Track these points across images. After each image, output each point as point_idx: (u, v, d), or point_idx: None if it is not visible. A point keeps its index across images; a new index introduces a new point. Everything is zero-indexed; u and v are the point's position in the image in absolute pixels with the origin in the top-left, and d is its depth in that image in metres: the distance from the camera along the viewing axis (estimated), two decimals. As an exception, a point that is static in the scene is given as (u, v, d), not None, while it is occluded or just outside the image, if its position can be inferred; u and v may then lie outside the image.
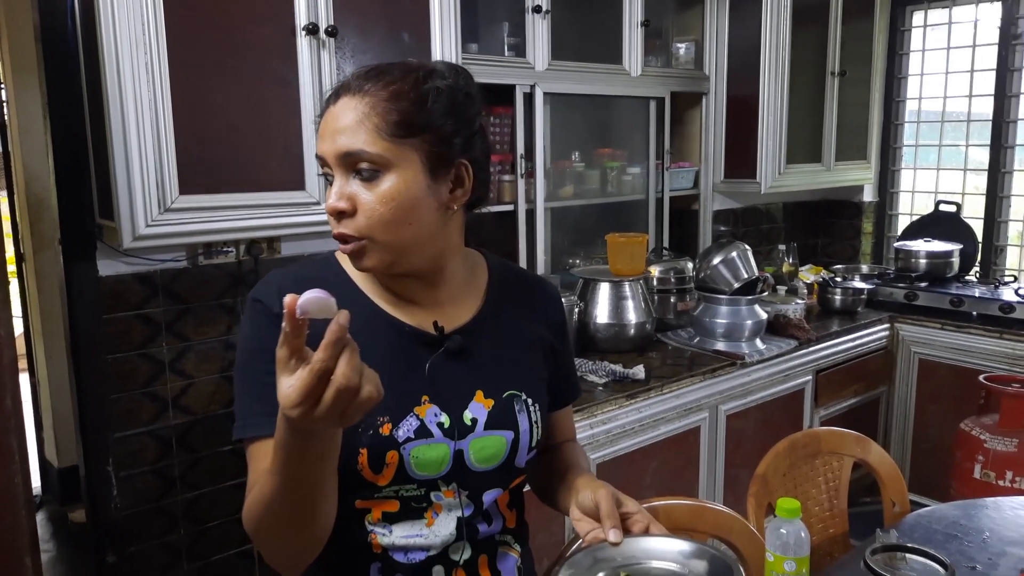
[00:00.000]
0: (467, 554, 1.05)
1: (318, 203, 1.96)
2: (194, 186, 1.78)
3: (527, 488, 1.19)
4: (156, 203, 1.74)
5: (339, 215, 0.96)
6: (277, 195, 1.91)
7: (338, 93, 0.97)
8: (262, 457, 0.93)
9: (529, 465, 1.12)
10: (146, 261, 1.97)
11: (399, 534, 1.02)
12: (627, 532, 1.01)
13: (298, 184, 1.93)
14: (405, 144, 0.95)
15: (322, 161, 0.98)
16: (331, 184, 0.98)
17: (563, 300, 2.43)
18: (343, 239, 0.97)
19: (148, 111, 1.70)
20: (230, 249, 2.08)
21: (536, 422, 1.09)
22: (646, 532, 1.02)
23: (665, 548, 1.00)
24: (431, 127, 0.96)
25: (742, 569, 0.95)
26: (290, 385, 0.74)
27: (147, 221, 1.73)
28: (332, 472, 0.88)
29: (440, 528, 1.03)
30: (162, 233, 1.76)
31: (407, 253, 0.99)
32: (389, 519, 1.02)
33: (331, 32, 1.92)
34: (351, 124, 0.94)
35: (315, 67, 1.92)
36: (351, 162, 0.95)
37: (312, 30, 1.89)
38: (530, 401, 1.09)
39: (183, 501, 2.10)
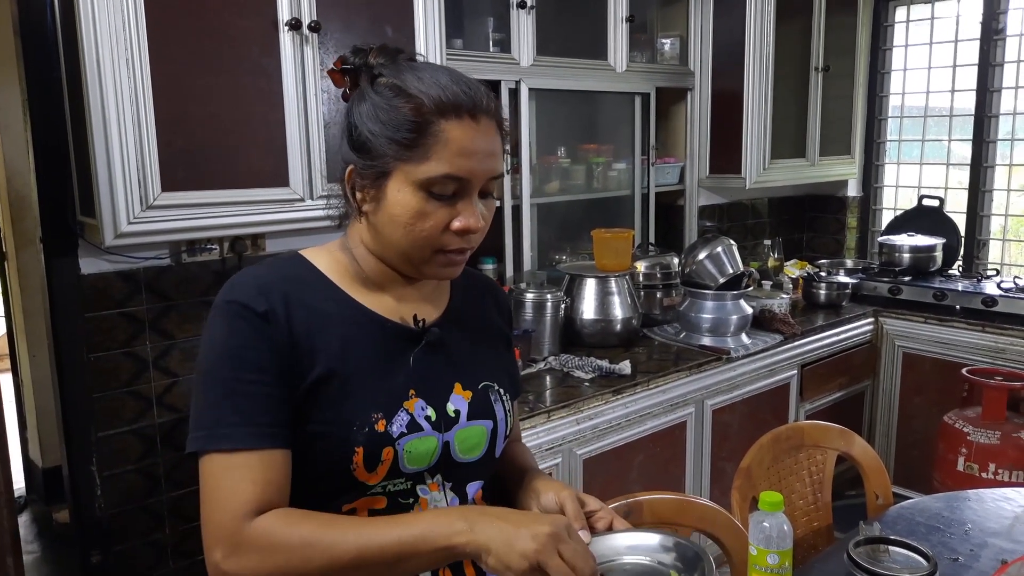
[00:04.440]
0: None
1: (302, 199, 1.95)
2: (176, 183, 1.77)
3: None
4: (138, 200, 1.72)
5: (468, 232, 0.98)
6: (261, 192, 1.90)
7: (474, 112, 0.94)
8: (253, 470, 0.90)
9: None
10: (129, 259, 1.96)
11: None
12: (592, 531, 1.01)
13: (282, 181, 1.92)
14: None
15: (459, 182, 0.95)
16: (444, 200, 0.95)
17: (549, 296, 2.47)
18: (462, 252, 1.00)
19: (129, 107, 1.68)
20: (214, 246, 2.07)
21: (509, 411, 1.12)
22: (610, 528, 1.03)
23: (634, 543, 1.01)
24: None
25: (710, 557, 0.96)
26: (551, 551, 0.84)
27: (129, 218, 1.72)
28: None
29: None
30: (144, 230, 1.74)
31: None
32: (375, 515, 1.01)
33: (314, 27, 1.91)
34: (497, 149, 0.98)
35: (298, 62, 1.91)
36: (491, 183, 0.99)
37: (295, 25, 1.88)
38: (502, 391, 1.11)
39: (168, 500, 2.09)
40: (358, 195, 1.00)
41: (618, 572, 0.98)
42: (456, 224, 0.96)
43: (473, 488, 1.08)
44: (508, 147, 1.03)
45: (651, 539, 1.01)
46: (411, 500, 1.02)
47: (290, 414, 0.94)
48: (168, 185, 1.76)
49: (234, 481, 0.90)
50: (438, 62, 2.07)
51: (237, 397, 0.92)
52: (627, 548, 1.00)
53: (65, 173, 1.86)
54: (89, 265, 1.92)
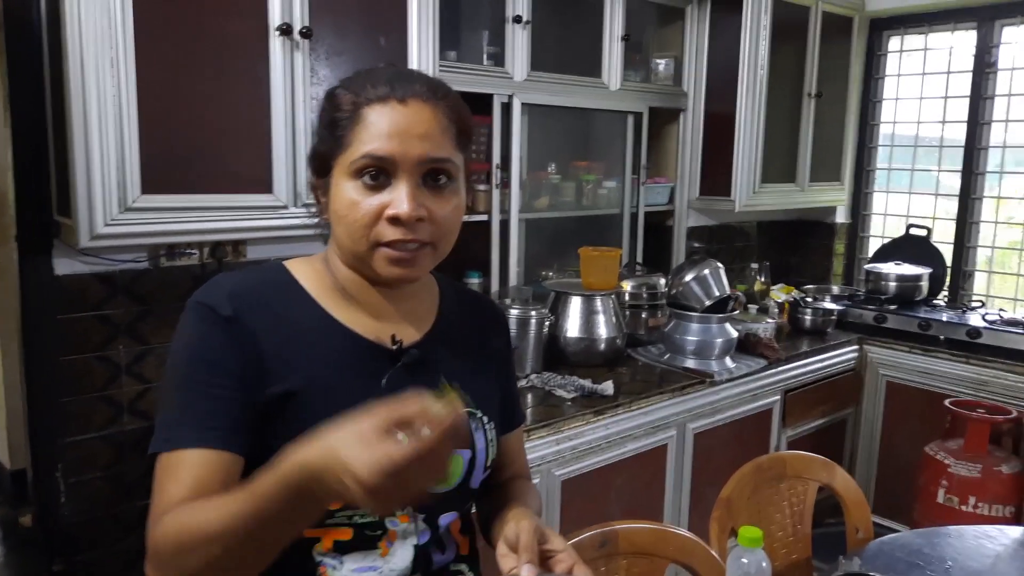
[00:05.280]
0: None
1: (286, 207, 1.92)
2: (157, 185, 1.73)
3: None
4: (116, 201, 1.68)
5: (410, 222, 0.93)
6: (243, 197, 1.86)
7: (404, 96, 0.93)
8: (183, 468, 0.87)
9: (481, 488, 1.09)
10: (106, 261, 1.92)
11: (351, 567, 0.96)
12: (548, 571, 0.96)
13: (265, 187, 1.89)
14: (461, 156, 0.99)
15: (381, 161, 0.92)
16: (373, 187, 0.93)
17: (533, 312, 2.44)
18: (403, 244, 0.94)
19: (112, 106, 1.65)
20: (193, 251, 2.03)
21: (491, 441, 1.07)
22: (569, 574, 0.96)
23: None
24: (472, 140, 1.02)
25: None
26: (378, 436, 0.72)
27: (106, 220, 1.68)
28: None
29: (395, 560, 0.98)
30: (121, 233, 1.70)
31: (437, 264, 1.01)
32: (340, 549, 0.96)
33: (305, 33, 1.88)
34: (435, 131, 0.94)
35: (287, 68, 1.88)
36: (429, 170, 0.95)
37: (286, 30, 1.86)
38: (485, 419, 1.07)
39: (137, 508, 2.04)
40: (321, 200, 1.01)
41: None
42: (388, 212, 0.93)
43: (446, 520, 1.04)
44: (465, 138, 1.00)
45: None
46: (379, 532, 0.98)
47: (247, 421, 0.91)
48: (148, 187, 1.72)
49: (166, 483, 0.88)
50: (430, 73, 2.04)
51: (189, 397, 0.91)
52: None
53: (44, 171, 1.82)
54: (64, 266, 1.88)
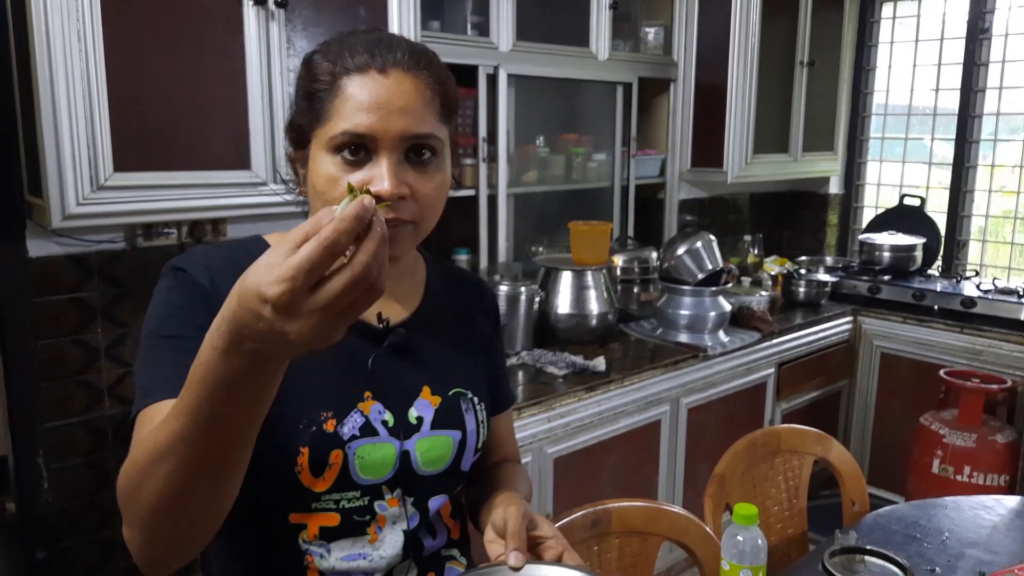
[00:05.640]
0: (412, 572, 0.98)
1: (265, 183, 1.86)
2: (130, 163, 1.67)
3: None
4: (88, 180, 1.62)
5: (394, 201, 0.87)
6: (221, 174, 1.80)
7: (384, 67, 0.87)
8: (156, 417, 0.79)
9: (472, 471, 1.05)
10: (80, 242, 1.86)
11: (339, 555, 0.93)
12: (538, 558, 0.93)
13: (243, 163, 1.83)
14: (445, 129, 0.93)
15: (360, 138, 0.86)
16: (353, 163, 0.87)
17: (523, 289, 2.40)
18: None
19: (80, 81, 1.59)
20: (172, 231, 1.97)
21: (482, 422, 1.04)
22: (559, 560, 0.93)
23: None
24: (456, 112, 0.96)
25: None
26: (284, 255, 0.59)
27: (78, 199, 1.62)
28: (258, 425, 0.71)
29: (385, 547, 0.95)
30: (94, 212, 1.65)
31: (420, 242, 0.96)
32: (327, 536, 0.93)
33: (281, 3, 1.81)
34: (417, 105, 0.88)
35: (263, 40, 1.81)
36: (412, 145, 0.89)
37: (260, 0, 1.79)
38: (476, 400, 1.03)
39: (120, 494, 2.00)
40: (299, 173, 0.96)
41: None
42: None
43: (436, 503, 1.01)
44: (450, 110, 0.94)
45: None
46: (367, 517, 0.94)
47: None
48: (121, 165, 1.66)
49: (138, 437, 0.82)
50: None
51: (165, 353, 0.86)
52: None
53: (12, 151, 1.76)
54: (38, 248, 1.82)
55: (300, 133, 0.93)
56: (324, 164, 0.88)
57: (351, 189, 0.65)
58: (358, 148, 0.87)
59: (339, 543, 0.93)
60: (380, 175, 0.86)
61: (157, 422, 0.74)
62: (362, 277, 0.60)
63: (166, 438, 0.69)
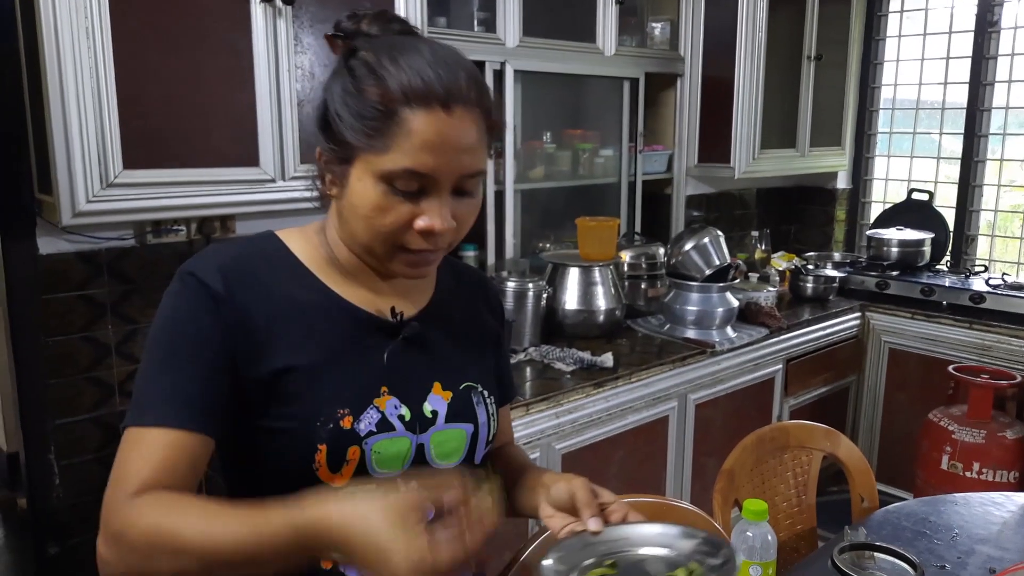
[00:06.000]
0: None
1: (273, 180, 1.87)
2: (139, 160, 1.68)
3: None
4: (98, 177, 1.63)
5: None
6: (229, 171, 1.81)
7: (447, 102, 0.84)
8: (153, 446, 0.83)
9: (481, 463, 1.06)
10: (90, 239, 1.87)
11: None
12: (606, 522, 0.95)
13: (251, 160, 1.83)
14: (490, 157, 0.94)
15: (418, 176, 0.85)
16: (406, 196, 0.87)
17: (531, 285, 2.40)
18: (427, 254, 0.91)
19: (89, 79, 1.59)
20: (180, 228, 1.98)
21: (492, 415, 1.05)
22: (624, 521, 0.96)
23: (647, 533, 0.95)
24: (499, 136, 0.97)
25: (734, 550, 0.91)
26: (428, 553, 0.70)
27: (88, 197, 1.63)
28: None
29: None
30: (104, 210, 1.66)
31: None
32: None
33: (288, 0, 1.82)
34: (476, 143, 0.88)
35: (270, 36, 1.82)
36: (467, 182, 0.90)
37: (267, -3, 1.79)
38: (486, 393, 1.04)
39: (130, 490, 2.01)
40: (327, 178, 0.93)
41: (634, 562, 0.92)
42: (419, 224, 0.88)
43: None
44: (495, 139, 0.94)
45: (666, 530, 0.95)
46: None
47: (227, 402, 0.87)
48: (130, 163, 1.67)
49: (132, 459, 0.84)
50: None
51: (172, 372, 0.86)
52: (640, 538, 0.95)
53: (22, 148, 1.77)
54: (48, 245, 1.83)
55: (346, 148, 0.88)
56: (373, 192, 0.87)
57: (488, 483, 0.76)
58: (415, 185, 0.86)
59: None
60: (433, 211, 0.87)
61: (153, 452, 0.82)
62: (466, 567, 0.72)
63: (202, 544, 0.76)
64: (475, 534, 0.72)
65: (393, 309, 0.98)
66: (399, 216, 0.87)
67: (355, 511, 0.72)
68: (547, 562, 0.89)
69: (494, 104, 0.92)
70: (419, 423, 0.96)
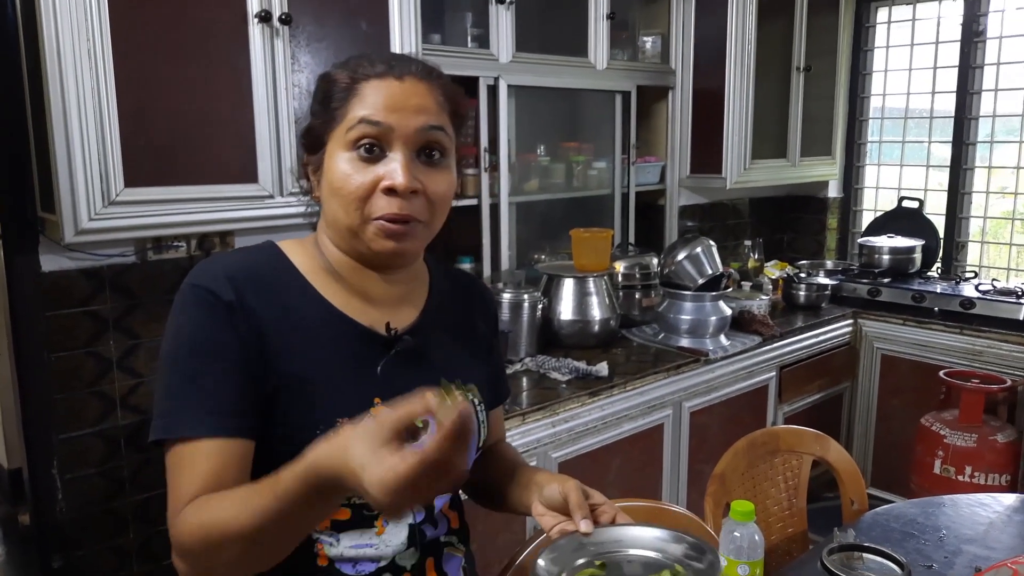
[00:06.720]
0: (414, 559, 1.03)
1: (271, 196, 1.90)
2: (140, 178, 1.71)
3: (464, 496, 1.16)
4: (100, 196, 1.67)
5: (405, 194, 0.93)
6: (229, 188, 1.85)
7: (400, 74, 0.94)
8: (199, 459, 0.87)
9: (473, 467, 1.09)
10: (92, 256, 1.90)
11: (347, 543, 0.97)
12: (596, 523, 0.99)
13: (250, 177, 1.87)
14: (454, 135, 1.00)
15: (377, 127, 0.92)
16: (368, 159, 0.93)
17: (526, 295, 2.43)
18: (396, 219, 0.94)
19: (91, 99, 1.63)
20: (181, 244, 2.01)
21: (483, 423, 1.08)
22: (613, 523, 1.00)
23: (637, 535, 0.99)
24: (465, 123, 1.03)
25: (718, 553, 0.94)
26: (392, 468, 0.69)
27: (90, 214, 1.66)
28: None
29: (391, 537, 0.99)
30: (106, 227, 1.69)
31: (427, 243, 1.02)
32: (337, 527, 0.97)
33: (285, 20, 1.86)
34: (431, 105, 0.95)
35: (268, 56, 1.86)
36: (426, 141, 0.95)
37: (265, 17, 1.83)
38: (476, 401, 1.07)
39: (132, 503, 2.04)
40: (312, 179, 1.01)
41: (621, 563, 0.96)
42: (383, 183, 0.93)
43: (441, 500, 1.06)
44: (460, 123, 1.01)
45: (655, 533, 0.99)
46: (376, 512, 0.98)
47: (255, 405, 0.91)
48: (132, 180, 1.70)
49: (180, 477, 0.88)
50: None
51: (198, 383, 0.89)
52: (631, 540, 0.98)
53: (25, 167, 1.80)
54: (50, 262, 1.86)
55: (315, 137, 0.98)
56: (340, 161, 0.94)
57: (446, 391, 0.75)
58: (373, 145, 0.93)
59: (348, 533, 0.98)
60: (395, 169, 0.92)
61: (201, 465, 0.87)
62: (450, 473, 0.71)
63: (246, 526, 0.80)
64: (454, 441, 0.70)
65: (388, 325, 1.01)
66: (364, 179, 0.93)
67: (337, 444, 0.75)
68: (540, 562, 0.92)
69: (458, 93, 1.01)
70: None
